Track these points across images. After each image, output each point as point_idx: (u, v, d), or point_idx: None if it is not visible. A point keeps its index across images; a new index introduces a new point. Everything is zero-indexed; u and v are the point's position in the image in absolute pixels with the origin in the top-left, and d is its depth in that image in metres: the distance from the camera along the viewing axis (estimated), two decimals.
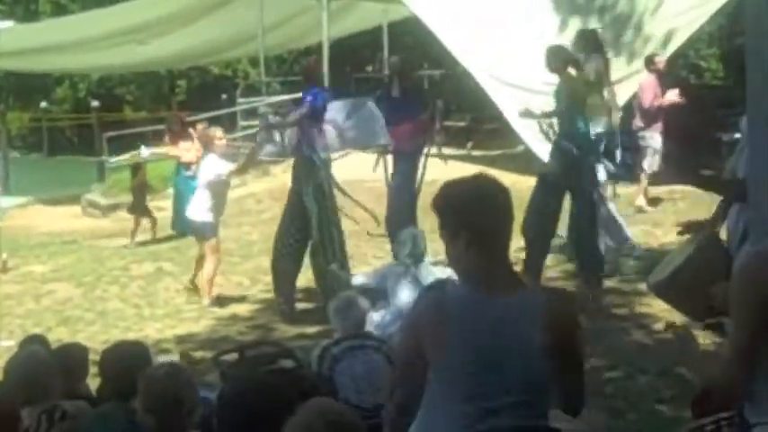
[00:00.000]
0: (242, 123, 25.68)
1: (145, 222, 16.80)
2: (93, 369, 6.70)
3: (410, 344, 4.00)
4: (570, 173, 10.87)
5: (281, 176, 17.78)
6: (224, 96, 34.01)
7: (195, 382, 5.15)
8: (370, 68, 35.24)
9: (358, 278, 10.02)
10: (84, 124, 38.74)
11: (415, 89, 13.08)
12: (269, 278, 12.55)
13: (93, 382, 6.62)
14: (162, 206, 17.86)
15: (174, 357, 9.81)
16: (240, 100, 27.95)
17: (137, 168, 17.65)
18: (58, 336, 10.67)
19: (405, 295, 8.78)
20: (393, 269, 9.50)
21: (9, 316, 12.19)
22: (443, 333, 3.82)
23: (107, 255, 15.50)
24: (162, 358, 9.20)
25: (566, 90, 11.03)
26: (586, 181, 10.97)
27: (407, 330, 4.12)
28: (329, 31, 22.51)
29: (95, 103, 34.40)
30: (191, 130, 16.60)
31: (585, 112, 11.33)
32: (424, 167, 12.81)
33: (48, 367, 5.65)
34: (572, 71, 11.25)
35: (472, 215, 3.88)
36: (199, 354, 9.80)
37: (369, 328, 7.89)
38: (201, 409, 5.09)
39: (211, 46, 27.78)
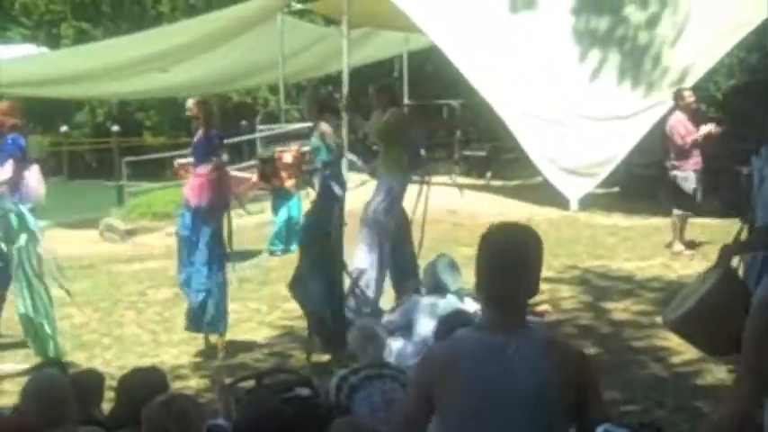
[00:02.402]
0: (261, 151, 25.74)
1: None
2: (109, 394, 6.71)
3: (421, 388, 4.00)
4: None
5: (305, 203, 17.76)
6: (244, 123, 34.15)
7: (194, 413, 5.09)
8: None
9: (384, 318, 9.92)
10: (103, 149, 38.91)
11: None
12: (287, 305, 12.57)
13: (108, 408, 6.61)
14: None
15: (191, 384, 9.84)
16: (260, 127, 28.07)
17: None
18: (75, 360, 10.69)
19: (426, 326, 8.75)
20: (416, 300, 9.48)
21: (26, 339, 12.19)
22: (452, 378, 3.83)
23: (124, 280, 15.51)
24: (178, 385, 9.23)
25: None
26: None
27: (419, 374, 4.11)
28: (349, 59, 22.54)
29: (115, 128, 34.58)
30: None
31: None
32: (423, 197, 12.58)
33: (65, 392, 5.64)
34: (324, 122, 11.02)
35: (492, 265, 3.92)
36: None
37: (388, 357, 7.88)
38: None
39: (231, 73, 27.89)
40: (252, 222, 18.25)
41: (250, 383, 7.15)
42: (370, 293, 11.14)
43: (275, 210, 17.86)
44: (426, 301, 9.37)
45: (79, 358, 11.06)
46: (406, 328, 9.28)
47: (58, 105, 38.31)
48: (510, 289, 3.87)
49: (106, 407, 6.69)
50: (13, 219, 10.97)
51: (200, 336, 11.37)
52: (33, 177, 11.75)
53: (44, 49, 32.97)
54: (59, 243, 19.83)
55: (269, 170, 18.05)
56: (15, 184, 11.37)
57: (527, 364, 3.80)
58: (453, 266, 9.60)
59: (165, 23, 35.95)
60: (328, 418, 6.47)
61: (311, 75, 33.93)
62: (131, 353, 11.30)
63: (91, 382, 6.61)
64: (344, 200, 10.83)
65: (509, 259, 3.88)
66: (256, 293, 14.03)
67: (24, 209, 11.13)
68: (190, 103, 11.74)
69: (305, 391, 6.79)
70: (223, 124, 37.03)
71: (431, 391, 3.89)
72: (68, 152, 40.85)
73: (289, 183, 17.91)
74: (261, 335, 11.86)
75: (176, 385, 9.02)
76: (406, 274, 11.49)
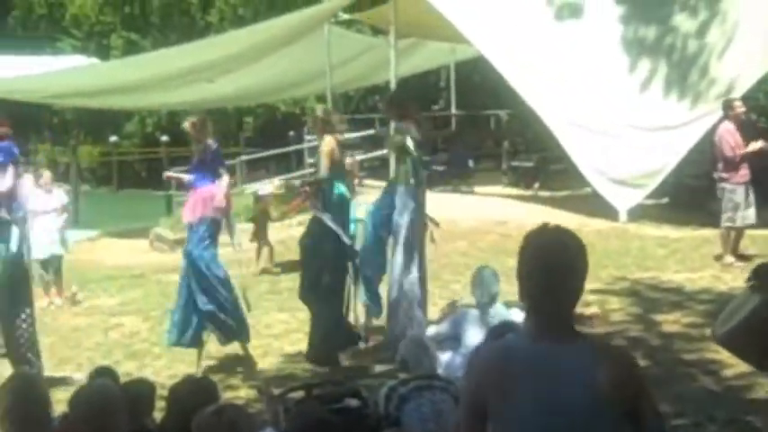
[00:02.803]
0: (309, 161, 25.86)
1: (265, 251, 17.14)
2: (160, 403, 6.75)
3: (472, 395, 3.97)
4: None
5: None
6: (291, 133, 34.27)
7: (244, 424, 5.10)
8: (436, 107, 35.35)
9: (431, 329, 9.92)
10: (152, 158, 39.22)
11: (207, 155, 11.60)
12: None
13: (159, 417, 6.65)
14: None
15: (241, 394, 9.88)
16: (307, 137, 28.13)
17: (259, 197, 17.84)
18: (126, 369, 10.75)
19: (474, 337, 8.73)
20: (464, 312, 9.47)
21: (78, 348, 12.32)
22: (504, 386, 3.79)
23: (174, 289, 15.57)
24: (228, 395, 9.27)
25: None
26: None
27: (469, 379, 4.07)
28: (397, 69, 22.57)
29: (164, 138, 34.82)
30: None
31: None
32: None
33: (116, 401, 5.64)
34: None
35: (533, 269, 3.89)
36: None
37: (437, 369, 7.88)
38: None
39: (279, 83, 28.00)
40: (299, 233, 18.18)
41: (299, 394, 7.18)
42: (415, 307, 11.15)
43: None
44: (474, 312, 9.35)
45: (130, 367, 11.15)
46: (453, 340, 9.27)
47: (107, 116, 38.67)
48: (554, 295, 3.83)
49: (157, 416, 6.73)
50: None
51: (251, 345, 11.42)
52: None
53: (94, 60, 33.26)
54: (109, 252, 20.10)
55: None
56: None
57: (576, 371, 3.76)
58: (497, 277, 9.58)
59: (214, 34, 36.19)
60: (377, 429, 6.48)
61: (358, 85, 34.06)
62: (181, 362, 11.35)
63: (142, 392, 6.64)
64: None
65: (551, 264, 3.85)
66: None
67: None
68: (186, 124, 11.68)
69: (354, 402, 6.81)
70: (271, 134, 37.26)
71: (482, 396, 3.86)
72: (118, 162, 41.18)
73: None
74: None
75: (226, 395, 9.07)
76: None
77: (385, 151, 23.42)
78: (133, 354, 12.03)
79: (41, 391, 5.99)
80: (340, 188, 11.03)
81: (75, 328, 13.50)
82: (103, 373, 7.18)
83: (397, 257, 11.13)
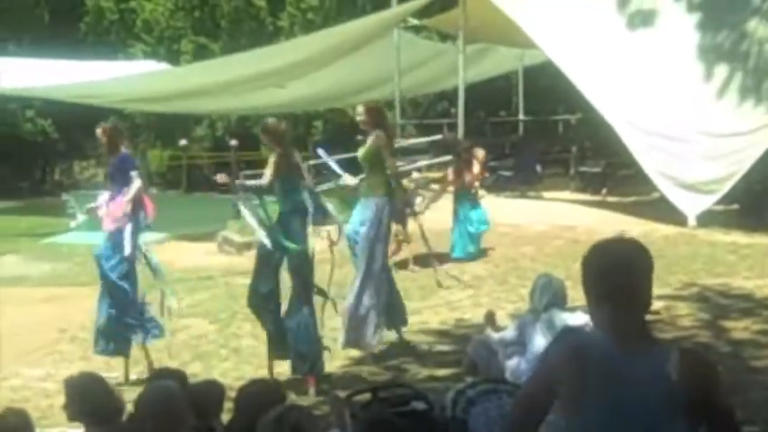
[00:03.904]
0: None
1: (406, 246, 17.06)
2: (227, 405, 6.80)
3: (542, 377, 4.02)
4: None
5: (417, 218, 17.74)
6: (359, 138, 34.32)
7: (309, 426, 5.12)
8: (504, 113, 35.26)
9: (495, 335, 9.89)
10: (222, 162, 39.39)
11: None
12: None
13: (227, 419, 6.69)
14: None
15: (307, 396, 9.92)
16: None
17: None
18: (193, 370, 10.83)
19: (540, 343, 8.70)
20: (528, 317, 9.44)
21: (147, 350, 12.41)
22: (580, 386, 3.83)
23: (242, 292, 15.64)
24: (294, 397, 9.31)
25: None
26: None
27: (543, 364, 4.11)
28: (465, 74, 22.57)
29: (233, 142, 34.98)
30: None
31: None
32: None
33: (179, 402, 5.70)
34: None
35: (603, 280, 3.92)
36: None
37: (504, 373, 7.87)
38: None
39: (348, 88, 28.11)
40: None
41: (365, 397, 7.19)
42: (371, 317, 11.24)
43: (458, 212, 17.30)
44: (539, 318, 9.31)
45: (197, 369, 11.24)
46: (519, 345, 9.24)
47: (177, 120, 38.95)
48: (626, 300, 3.87)
49: (225, 418, 6.77)
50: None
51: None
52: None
53: (165, 65, 33.55)
54: (178, 255, 20.24)
55: (466, 160, 17.45)
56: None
57: (650, 373, 3.79)
58: (562, 284, 9.52)
59: (283, 38, 36.35)
60: None
61: (426, 90, 34.07)
62: (248, 364, 11.42)
63: (211, 393, 6.69)
64: None
65: (622, 270, 3.89)
66: None
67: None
68: (98, 131, 11.73)
69: (421, 405, 6.80)
70: (340, 139, 37.33)
71: (557, 379, 3.89)
72: (187, 166, 41.44)
73: (477, 183, 17.56)
74: (376, 348, 11.91)
75: (292, 397, 9.10)
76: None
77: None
78: (200, 355, 12.12)
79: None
80: (294, 198, 10.98)
81: None
82: (169, 375, 7.24)
83: (361, 267, 11.31)
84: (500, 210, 13.77)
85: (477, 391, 6.78)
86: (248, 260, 19.42)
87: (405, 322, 12.03)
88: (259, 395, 5.86)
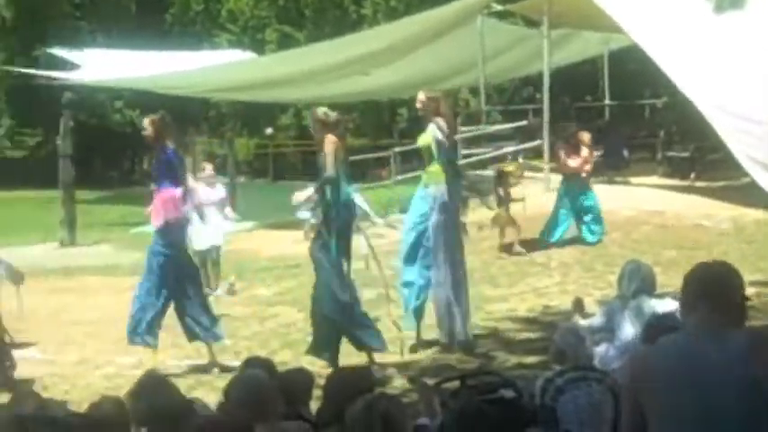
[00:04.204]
0: (463, 152, 25.82)
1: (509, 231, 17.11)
2: (316, 392, 6.85)
3: (627, 404, 4.12)
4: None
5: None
6: None
7: (398, 414, 5.13)
8: (590, 98, 35.02)
9: (584, 322, 9.83)
10: (308, 150, 39.67)
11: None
12: (490, 306, 12.64)
13: (315, 407, 6.73)
14: None
15: (396, 384, 9.96)
16: (461, 128, 28.11)
17: (500, 176, 17.77)
18: (282, 358, 10.91)
19: (629, 330, 8.65)
20: (616, 304, 9.38)
21: (235, 337, 12.54)
22: (658, 382, 3.91)
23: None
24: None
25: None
26: None
27: (623, 392, 4.28)
28: (550, 59, 22.44)
29: None
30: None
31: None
32: None
33: (268, 390, 5.76)
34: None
35: (701, 286, 4.09)
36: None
37: (593, 361, 7.81)
38: None
39: (431, 75, 28.03)
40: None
41: (454, 384, 7.20)
42: (455, 311, 11.18)
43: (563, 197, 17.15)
44: (627, 304, 9.25)
45: (286, 356, 11.31)
46: (607, 332, 9.19)
47: (263, 108, 39.25)
48: (717, 306, 4.02)
49: (314, 406, 6.82)
50: None
51: (408, 335, 11.50)
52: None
53: (250, 54, 33.79)
54: (265, 243, 20.42)
55: (573, 145, 17.27)
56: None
57: (734, 361, 3.84)
58: (651, 270, 9.43)
59: (367, 26, 36.46)
60: (532, 421, 6.47)
61: (511, 76, 33.94)
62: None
63: (299, 381, 6.73)
64: None
65: (715, 285, 4.07)
66: None
67: None
68: (145, 122, 11.65)
69: (509, 393, 6.79)
70: (423, 126, 37.35)
71: (639, 397, 3.94)
72: (273, 154, 41.74)
73: (587, 167, 17.34)
74: (468, 338, 11.90)
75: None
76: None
77: (538, 142, 23.33)
78: (289, 343, 12.19)
79: None
80: (346, 189, 10.96)
81: (233, 318, 13.75)
82: (257, 363, 7.31)
83: (435, 259, 11.19)
84: None
85: (566, 379, 6.75)
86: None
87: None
88: (348, 383, 5.89)
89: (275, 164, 41.90)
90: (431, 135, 11.26)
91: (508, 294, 13.77)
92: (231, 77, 26.58)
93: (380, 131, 41.94)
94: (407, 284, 11.48)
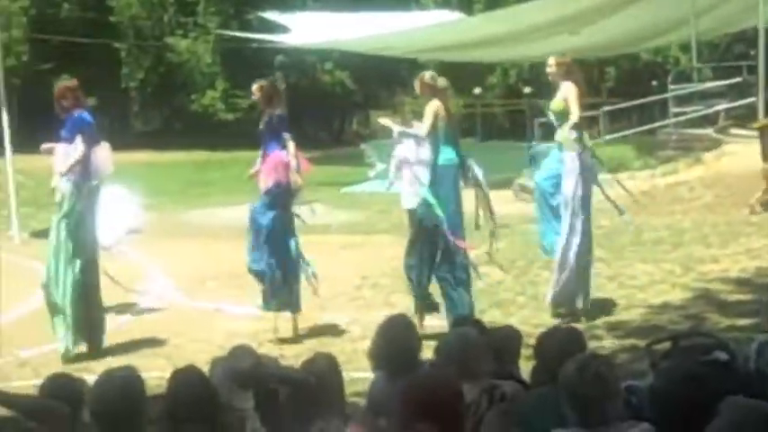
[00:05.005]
0: (673, 110, 25.39)
1: None
2: (525, 352, 6.88)
3: None
4: None
5: (714, 164, 17.40)
6: (654, 83, 33.68)
7: (609, 375, 5.10)
8: None
9: None
10: (515, 110, 39.52)
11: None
12: (702, 267, 12.45)
13: (523, 365, 6.75)
14: None
15: (605, 344, 9.91)
16: (671, 86, 27.62)
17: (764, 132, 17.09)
18: (491, 318, 10.94)
19: None
20: None
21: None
22: None
23: (538, 240, 15.68)
24: (593, 344, 9.31)
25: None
26: None
27: None
28: (765, 13, 21.77)
29: (527, 90, 35.00)
30: None
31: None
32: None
33: (477, 348, 5.84)
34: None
35: None
36: (628, 342, 9.83)
37: None
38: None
39: (641, 33, 27.64)
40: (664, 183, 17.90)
41: (665, 346, 7.12)
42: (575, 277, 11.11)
43: None
44: None
45: (495, 315, 11.37)
46: None
47: (470, 68, 39.17)
48: None
49: (522, 364, 6.84)
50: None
51: (615, 297, 11.45)
52: (101, 155, 11.17)
53: (458, 14, 33.78)
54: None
55: None
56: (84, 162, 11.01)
57: None
58: None
59: None
60: (747, 385, 6.36)
61: (724, 31, 33.04)
62: (546, 312, 11.46)
63: (508, 340, 6.77)
64: None
65: None
66: (669, 255, 13.93)
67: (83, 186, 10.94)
68: (254, 87, 11.53)
69: (723, 356, 6.69)
70: (633, 84, 36.77)
71: None
72: (481, 114, 41.68)
73: None
74: (675, 296, 11.75)
75: (591, 345, 9.12)
76: None
77: (752, 99, 22.71)
78: (498, 303, 12.25)
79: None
80: (448, 153, 10.93)
81: None
82: (467, 322, 7.38)
83: (563, 224, 11.17)
84: None
85: None
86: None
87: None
88: (561, 343, 5.89)
89: (483, 124, 41.83)
90: (562, 98, 11.18)
91: (720, 255, 13.52)
92: (439, 38, 26.71)
93: (588, 90, 41.37)
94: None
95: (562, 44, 26.64)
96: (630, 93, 33.65)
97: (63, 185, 10.86)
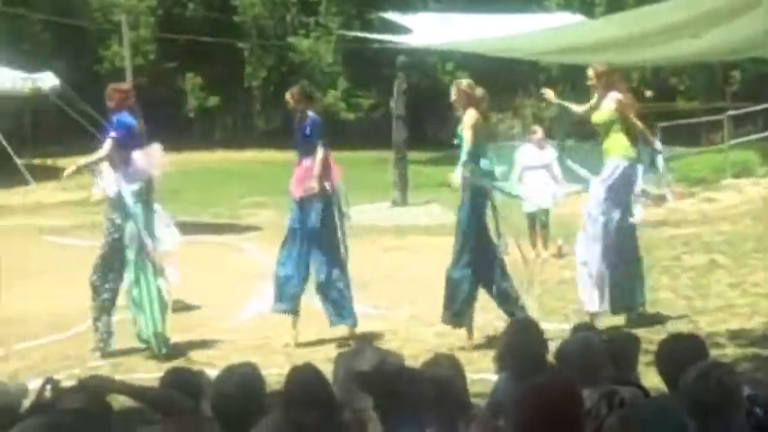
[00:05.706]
0: None
1: None
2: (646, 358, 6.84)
3: None
4: None
5: None
6: None
7: (731, 383, 5.06)
8: None
9: None
10: (639, 114, 39.05)
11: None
12: None
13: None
14: None
15: (727, 352, 9.78)
16: None
17: None
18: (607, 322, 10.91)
19: None
20: None
21: (563, 300, 12.64)
22: None
23: (657, 244, 15.56)
24: (715, 352, 9.21)
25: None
26: None
27: None
28: None
29: (648, 93, 34.62)
30: None
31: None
32: None
33: (597, 354, 5.85)
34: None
35: None
36: (751, 351, 9.70)
37: None
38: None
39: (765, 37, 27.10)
40: None
41: None
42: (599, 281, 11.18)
43: None
44: None
45: (616, 321, 11.30)
46: None
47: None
48: None
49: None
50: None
51: (738, 304, 11.31)
52: (142, 158, 11.14)
53: (579, 17, 33.50)
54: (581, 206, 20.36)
55: None
56: (117, 163, 11.09)
57: None
58: None
59: None
60: None
61: None
62: (666, 319, 11.36)
63: (627, 345, 6.73)
64: None
65: None
66: None
67: (125, 190, 10.99)
68: (287, 96, 11.82)
69: None
70: (760, 89, 36.14)
71: None
72: None
73: None
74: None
75: (713, 353, 9.00)
76: None
77: None
78: None
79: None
80: (484, 163, 11.09)
81: (561, 281, 13.83)
82: (587, 327, 7.37)
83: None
84: None
85: None
86: (664, 212, 19.34)
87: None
88: (682, 350, 5.86)
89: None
90: (606, 111, 11.10)
91: None
92: (560, 40, 26.50)
93: (713, 94, 40.73)
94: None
95: (683, 48, 26.25)
96: (756, 96, 33.07)
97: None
